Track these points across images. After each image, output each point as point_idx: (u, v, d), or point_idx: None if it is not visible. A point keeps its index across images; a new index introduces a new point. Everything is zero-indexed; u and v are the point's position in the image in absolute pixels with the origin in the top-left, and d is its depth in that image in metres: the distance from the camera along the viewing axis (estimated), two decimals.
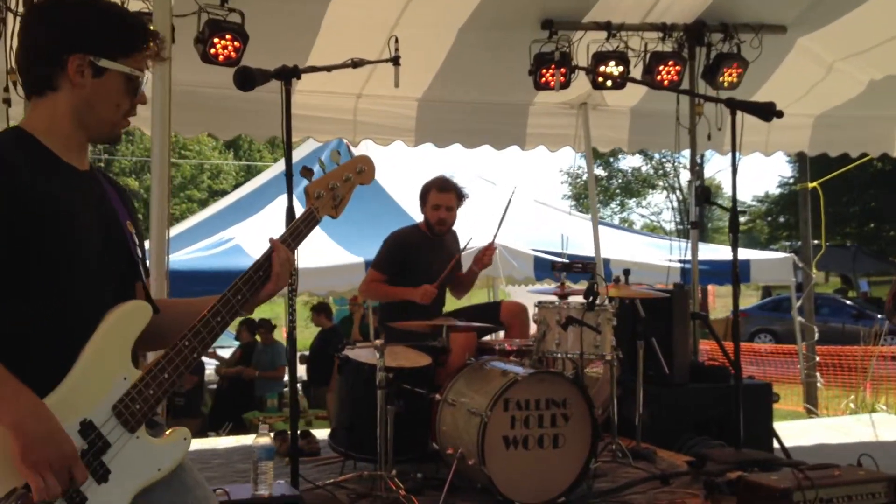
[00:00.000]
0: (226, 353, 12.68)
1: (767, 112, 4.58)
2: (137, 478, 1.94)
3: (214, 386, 12.27)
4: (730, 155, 5.08)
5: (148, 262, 2.26)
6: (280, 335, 13.55)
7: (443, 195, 5.45)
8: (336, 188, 2.30)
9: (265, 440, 3.31)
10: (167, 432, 2.02)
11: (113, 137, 2.13)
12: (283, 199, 10.84)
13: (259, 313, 14.07)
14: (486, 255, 5.53)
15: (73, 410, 1.87)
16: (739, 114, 4.85)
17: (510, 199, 5.54)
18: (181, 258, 9.19)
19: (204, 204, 30.71)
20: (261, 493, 3.28)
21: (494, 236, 5.48)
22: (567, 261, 5.45)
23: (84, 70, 2.00)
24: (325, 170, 2.33)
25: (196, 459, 5.35)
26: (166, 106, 4.09)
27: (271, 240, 2.18)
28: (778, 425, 6.33)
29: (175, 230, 12.26)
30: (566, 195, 38.33)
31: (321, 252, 9.32)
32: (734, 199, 4.77)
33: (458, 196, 5.49)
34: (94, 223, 2.03)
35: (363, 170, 2.37)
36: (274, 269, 2.14)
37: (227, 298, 2.09)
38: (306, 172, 2.46)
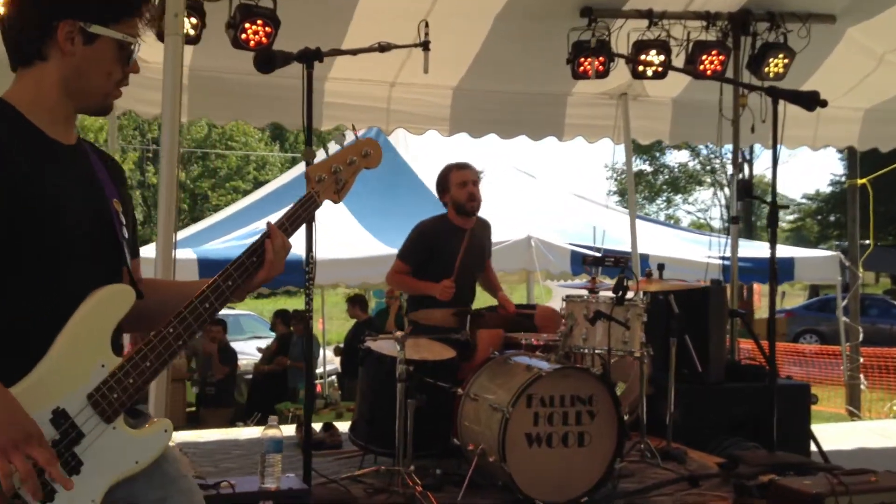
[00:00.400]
0: (262, 344, 12.72)
1: (811, 101, 4.39)
2: (112, 471, 1.84)
3: (250, 376, 12.34)
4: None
5: (139, 244, 2.15)
6: (316, 327, 13.56)
7: (464, 171, 5.31)
8: (339, 171, 2.19)
9: (274, 432, 3.23)
10: (148, 424, 1.93)
11: (104, 108, 2.03)
12: None
13: (295, 305, 14.10)
14: (507, 306, 5.42)
15: (45, 398, 1.78)
16: (783, 105, 4.65)
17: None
18: (216, 247, 9.21)
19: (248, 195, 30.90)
20: (268, 486, 3.20)
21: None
22: (599, 255, 5.27)
23: (74, 37, 1.91)
24: (329, 153, 2.23)
25: (217, 450, 5.37)
26: (178, 88, 4.01)
27: (268, 224, 2.08)
28: (817, 428, 6.13)
29: (214, 219, 12.33)
30: (612, 191, 37.93)
31: (355, 243, 9.28)
32: (773, 192, 4.58)
33: (476, 173, 5.37)
34: (81, 204, 1.94)
35: (369, 153, 2.25)
36: (267, 256, 2.04)
37: (218, 284, 2.00)
38: (308, 154, 2.36)
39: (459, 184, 5.27)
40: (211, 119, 6.86)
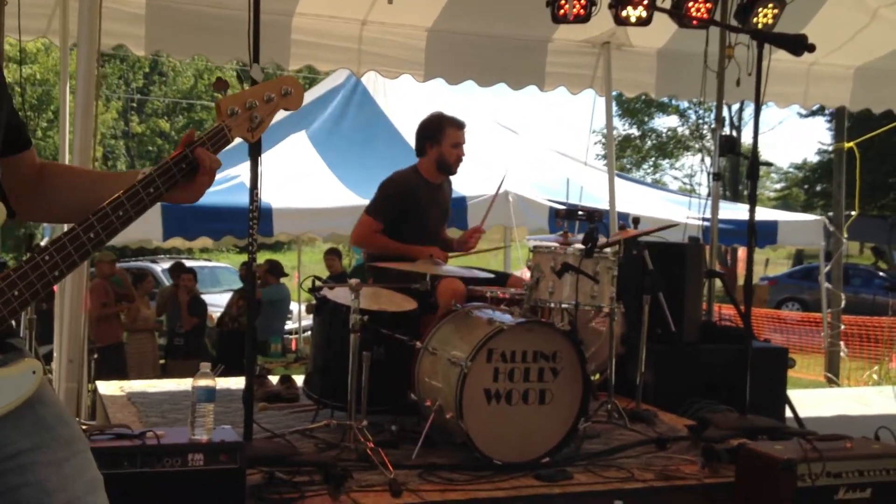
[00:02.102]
0: (221, 298, 12.42)
1: (798, 45, 4.12)
2: None
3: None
4: (767, 117, 4.62)
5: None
6: (292, 282, 13.32)
7: (461, 132, 5.00)
8: (254, 107, 1.95)
9: (205, 381, 2.98)
10: (15, 364, 1.66)
11: None
12: (295, 137, 10.55)
13: (274, 258, 13.82)
14: (472, 237, 5.13)
15: None
16: (773, 61, 4.39)
17: (500, 185, 5.13)
18: None
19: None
20: (198, 437, 2.95)
21: (483, 220, 5.10)
22: (570, 207, 5.02)
23: None
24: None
25: (168, 400, 5.13)
26: (95, 13, 3.69)
27: (189, 136, 1.84)
28: (795, 393, 5.97)
29: None
30: (599, 155, 37.60)
31: (327, 193, 9.01)
32: (755, 142, 4.36)
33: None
34: None
35: (290, 92, 2.02)
36: (205, 165, 1.82)
37: (106, 212, 1.73)
38: (220, 84, 2.11)
39: (454, 143, 4.97)
40: (170, 53, 6.52)
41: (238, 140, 1.97)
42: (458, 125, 5.02)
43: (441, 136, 4.97)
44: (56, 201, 1.92)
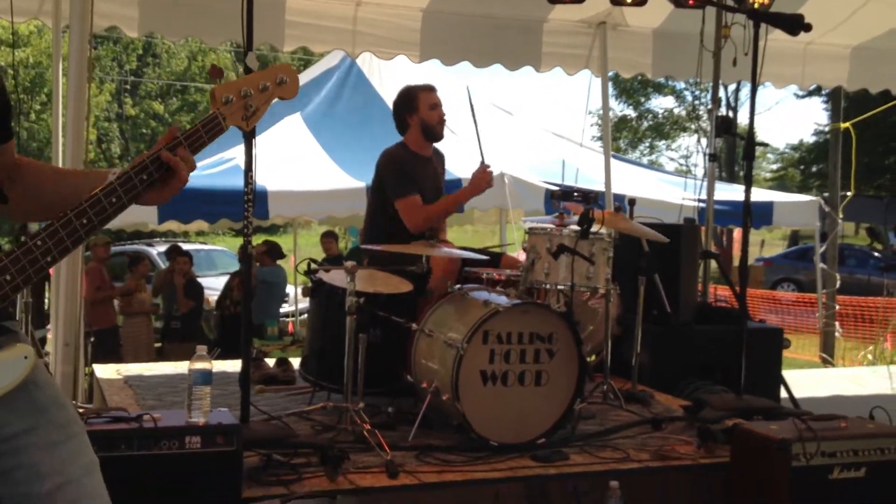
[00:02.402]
0: (217, 281, 12.40)
1: (795, 25, 4.10)
2: None
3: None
4: (763, 97, 4.60)
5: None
6: (289, 265, 13.29)
7: (433, 94, 4.99)
8: (249, 96, 1.98)
9: (202, 364, 2.98)
10: (7, 349, 1.66)
11: None
12: (290, 119, 10.51)
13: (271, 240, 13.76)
14: (483, 177, 5.08)
15: None
16: (767, 37, 4.37)
17: (470, 101, 5.02)
18: None
19: None
20: (195, 420, 2.96)
21: (481, 154, 4.96)
22: (566, 188, 5.00)
23: None
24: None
25: (165, 383, 5.14)
26: None
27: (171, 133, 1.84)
28: (790, 374, 5.98)
29: None
30: (595, 136, 37.53)
31: (323, 176, 8.99)
32: (751, 122, 4.32)
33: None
34: None
35: (284, 81, 2.05)
36: (179, 166, 1.83)
37: (99, 198, 1.73)
38: (215, 72, 2.11)
39: (430, 105, 4.94)
40: (163, 34, 6.48)
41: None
42: (430, 88, 5.03)
43: (416, 102, 4.96)
44: (25, 197, 1.90)
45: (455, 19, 6.82)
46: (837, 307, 11.11)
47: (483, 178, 4.88)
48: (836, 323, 11.14)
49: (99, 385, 5.07)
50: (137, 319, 9.93)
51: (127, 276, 10.38)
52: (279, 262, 11.67)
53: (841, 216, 10.86)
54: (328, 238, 11.48)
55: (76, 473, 1.70)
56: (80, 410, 3.36)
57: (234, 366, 5.35)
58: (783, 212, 10.62)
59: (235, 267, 14.78)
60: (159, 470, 2.90)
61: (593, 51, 7.27)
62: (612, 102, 35.82)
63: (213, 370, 3.11)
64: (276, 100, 2.06)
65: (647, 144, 39.65)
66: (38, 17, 6.02)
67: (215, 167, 8.90)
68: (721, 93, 6.79)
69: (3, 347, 1.66)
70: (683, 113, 37.64)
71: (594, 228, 4.20)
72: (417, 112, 4.93)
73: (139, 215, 8.20)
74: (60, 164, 5.66)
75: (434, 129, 4.97)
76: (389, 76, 10.06)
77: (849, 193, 11.31)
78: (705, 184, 6.74)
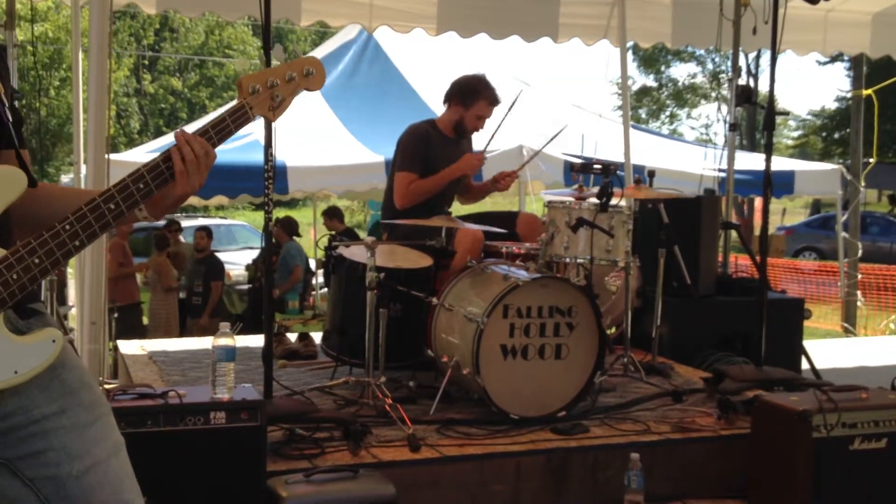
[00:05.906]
0: (238, 256, 12.42)
1: None
2: None
3: (242, 286, 12.20)
4: (785, 63, 4.56)
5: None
6: (308, 238, 13.32)
7: (490, 109, 4.99)
8: (276, 86, 1.99)
9: (225, 340, 3.01)
10: (36, 331, 1.69)
11: None
12: (307, 94, 10.56)
13: (293, 214, 13.81)
14: (504, 180, 5.12)
15: None
16: (787, 4, 4.32)
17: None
18: None
19: None
20: (219, 396, 2.99)
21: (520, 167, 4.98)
22: (586, 160, 4.98)
23: None
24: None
25: (189, 359, 5.20)
26: None
27: (176, 134, 1.86)
28: (811, 344, 5.95)
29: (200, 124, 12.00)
30: (616, 106, 37.23)
31: (342, 150, 8.99)
32: (771, 93, 4.28)
33: None
34: None
35: (311, 72, 2.07)
36: (177, 168, 1.82)
37: (127, 184, 1.76)
38: (243, 63, 2.13)
39: (479, 115, 4.97)
40: (179, 10, 6.48)
41: None
42: (492, 101, 4.99)
43: (473, 103, 4.96)
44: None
45: None
46: (860, 276, 11.02)
47: (474, 157, 4.91)
48: (858, 292, 11.06)
49: (123, 361, 5.14)
50: (166, 295, 9.98)
51: (154, 254, 10.41)
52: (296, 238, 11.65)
53: (863, 184, 10.75)
54: (332, 218, 11.01)
55: (104, 454, 1.73)
56: (107, 387, 3.42)
57: (255, 341, 5.41)
58: (804, 180, 10.52)
59: (255, 241, 14.88)
60: (185, 445, 2.94)
61: (612, 20, 7.22)
62: (632, 70, 35.45)
63: (237, 345, 3.15)
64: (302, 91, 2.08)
65: (668, 114, 39.32)
66: None
67: (235, 141, 8.91)
68: (741, 60, 6.72)
69: (31, 330, 1.69)
70: (704, 80, 37.27)
71: (613, 201, 4.19)
72: (466, 109, 4.96)
73: None
74: (82, 141, 5.70)
75: (465, 132, 5.05)
76: (407, 49, 10.02)
77: (871, 161, 11.20)
78: (726, 153, 6.69)
